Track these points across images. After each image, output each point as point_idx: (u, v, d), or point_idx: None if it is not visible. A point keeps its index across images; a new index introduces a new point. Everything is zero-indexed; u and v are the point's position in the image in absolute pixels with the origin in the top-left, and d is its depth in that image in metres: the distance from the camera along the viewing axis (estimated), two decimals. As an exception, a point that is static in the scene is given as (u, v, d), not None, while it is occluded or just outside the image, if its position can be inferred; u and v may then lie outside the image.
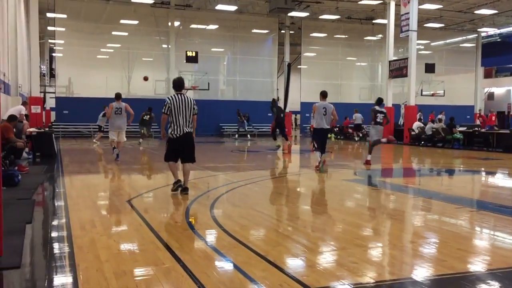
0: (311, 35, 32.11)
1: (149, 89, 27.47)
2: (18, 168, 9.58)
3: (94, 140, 21.20)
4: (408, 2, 21.80)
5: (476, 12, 27.80)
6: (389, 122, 13.58)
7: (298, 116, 35.88)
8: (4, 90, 16.37)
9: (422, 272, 4.05)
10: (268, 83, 31.45)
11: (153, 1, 26.29)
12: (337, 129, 27.73)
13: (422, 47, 32.82)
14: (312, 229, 5.70)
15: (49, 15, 26.49)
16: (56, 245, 4.85)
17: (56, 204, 7.21)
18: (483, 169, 13.37)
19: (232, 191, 8.44)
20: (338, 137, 27.65)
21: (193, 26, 29.39)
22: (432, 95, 29.24)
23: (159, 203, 7.56)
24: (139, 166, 13.56)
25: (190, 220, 6.05)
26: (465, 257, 4.55)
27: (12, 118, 10.70)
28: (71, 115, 26.06)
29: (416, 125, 22.03)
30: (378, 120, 12.68)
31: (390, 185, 10.10)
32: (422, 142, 21.37)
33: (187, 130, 7.58)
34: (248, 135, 27.84)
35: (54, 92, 28.54)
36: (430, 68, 27.20)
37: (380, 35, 31.18)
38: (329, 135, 16.46)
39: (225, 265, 4.24)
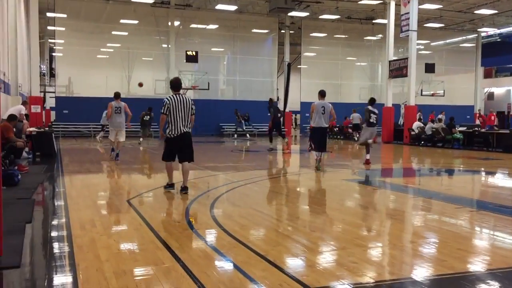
0: (311, 35, 32.12)
1: (149, 88, 27.49)
2: (18, 168, 9.58)
3: (99, 139, 21.40)
4: (408, 2, 21.79)
5: (476, 12, 27.81)
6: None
7: (298, 116, 35.88)
8: (4, 90, 16.37)
9: (422, 272, 4.05)
10: (268, 83, 31.45)
11: (153, 1, 26.29)
12: (337, 129, 27.74)
13: (422, 47, 32.84)
14: (312, 229, 5.70)
15: (49, 14, 26.50)
16: (56, 245, 4.85)
17: (56, 204, 7.22)
18: (483, 169, 13.37)
19: (232, 191, 8.44)
20: (338, 137, 27.65)
21: (193, 25, 29.39)
22: (432, 95, 29.25)
23: (159, 203, 7.56)
24: (139, 165, 13.56)
25: (190, 219, 6.05)
26: (465, 257, 4.55)
27: (12, 117, 10.69)
28: (71, 114, 26.06)
29: (416, 125, 22.03)
30: (371, 120, 12.67)
31: (390, 185, 10.11)
32: (422, 142, 21.37)
33: (185, 130, 7.64)
34: (247, 135, 27.86)
35: (54, 92, 28.55)
36: (430, 68, 27.21)
37: (380, 35, 31.19)
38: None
39: (225, 265, 4.24)
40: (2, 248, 4.21)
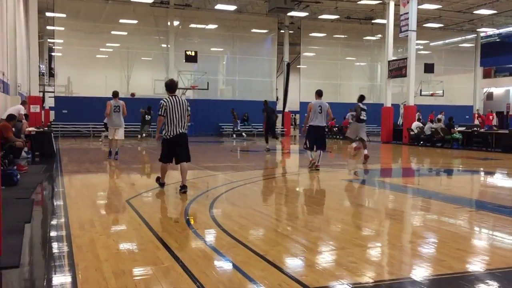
0: (310, 35, 32.11)
1: (148, 88, 27.50)
2: (17, 168, 9.57)
3: (103, 137, 21.51)
4: (408, 2, 21.79)
5: (475, 12, 27.82)
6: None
7: (297, 116, 35.90)
8: (3, 90, 16.37)
9: (421, 272, 4.06)
10: (268, 83, 31.45)
11: (152, 1, 26.27)
12: (336, 129, 27.74)
13: (421, 47, 32.85)
14: (311, 228, 5.70)
15: (48, 14, 26.47)
16: (55, 245, 4.85)
17: (55, 204, 7.22)
18: (482, 169, 13.38)
19: (231, 191, 8.44)
20: (338, 136, 27.65)
21: (192, 25, 29.39)
22: (431, 95, 29.27)
23: (158, 203, 7.56)
24: (138, 165, 13.56)
25: (189, 219, 6.04)
26: (464, 257, 4.55)
27: (11, 117, 10.68)
28: (70, 114, 26.04)
29: (415, 125, 22.04)
30: (361, 117, 13.06)
31: (389, 185, 10.11)
32: (421, 142, 21.38)
33: (181, 131, 7.72)
34: (243, 134, 27.96)
35: (53, 92, 28.52)
36: (429, 68, 27.23)
37: (380, 35, 31.21)
38: None
39: (224, 265, 4.24)
40: (1, 248, 4.20)
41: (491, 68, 39.52)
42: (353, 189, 9.34)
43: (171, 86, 7.97)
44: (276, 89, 32.17)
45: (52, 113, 31.28)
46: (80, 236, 5.06)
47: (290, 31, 32.03)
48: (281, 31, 31.51)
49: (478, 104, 35.13)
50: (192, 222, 5.91)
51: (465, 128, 21.53)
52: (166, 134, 7.72)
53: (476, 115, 30.32)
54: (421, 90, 27.64)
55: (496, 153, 17.26)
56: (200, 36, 29.65)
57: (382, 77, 30.86)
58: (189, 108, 7.90)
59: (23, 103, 16.29)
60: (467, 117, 32.86)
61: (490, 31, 34.02)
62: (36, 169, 10.86)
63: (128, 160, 13.55)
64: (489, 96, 38.63)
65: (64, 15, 26.37)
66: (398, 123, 26.17)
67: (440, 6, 26.29)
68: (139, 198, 7.65)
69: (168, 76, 27.45)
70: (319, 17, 28.99)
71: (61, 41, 28.58)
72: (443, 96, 29.78)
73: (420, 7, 23.33)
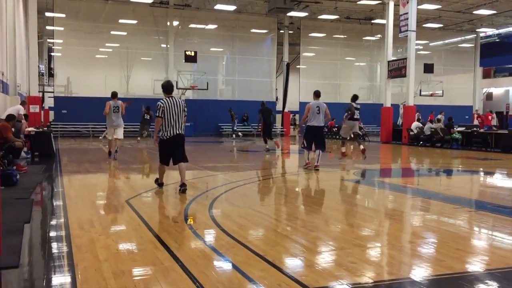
0: (310, 35, 32.12)
1: (147, 88, 27.47)
2: (16, 168, 9.57)
3: (103, 136, 21.57)
4: (407, 2, 21.80)
5: (474, 12, 27.84)
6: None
7: (297, 116, 35.88)
8: (3, 90, 16.37)
9: (420, 272, 4.06)
10: (267, 83, 31.45)
11: (152, 1, 26.27)
12: (335, 129, 27.73)
13: (421, 47, 32.86)
14: (311, 229, 5.70)
15: (47, 14, 26.47)
16: (54, 245, 4.84)
17: (54, 204, 7.21)
18: (481, 169, 13.39)
19: (231, 191, 8.44)
20: (337, 137, 27.62)
21: (192, 25, 29.39)
22: (431, 95, 29.26)
23: (157, 203, 7.56)
24: (138, 165, 13.56)
25: (189, 219, 6.04)
26: (464, 257, 4.55)
27: (10, 117, 10.68)
28: (69, 114, 26.04)
29: (415, 125, 22.05)
30: (355, 116, 13.55)
31: (389, 185, 10.11)
32: (421, 142, 21.39)
33: (178, 132, 7.74)
34: (239, 133, 28.04)
35: (53, 92, 28.50)
36: (428, 68, 27.23)
37: (379, 35, 31.22)
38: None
39: (223, 265, 4.24)
40: (0, 248, 4.20)
41: (491, 68, 39.52)
42: (352, 189, 9.35)
43: (167, 88, 8.00)
44: (276, 89, 32.16)
45: (51, 113, 31.26)
46: (80, 236, 5.05)
47: (289, 31, 32.04)
48: (281, 31, 31.51)
49: (477, 104, 35.13)
50: (191, 222, 5.91)
51: (464, 128, 21.54)
52: (163, 135, 7.75)
53: (476, 115, 30.31)
54: (420, 90, 27.64)
55: (496, 153, 17.27)
56: (199, 36, 29.65)
57: (382, 77, 30.86)
58: (186, 109, 7.93)
59: (22, 103, 16.29)
60: (466, 117, 32.87)
61: (490, 31, 34.03)
62: (35, 169, 10.85)
63: (127, 160, 13.55)
64: (489, 96, 38.64)
65: (64, 15, 26.37)
66: (398, 123, 26.16)
67: (440, 6, 26.31)
68: (139, 198, 7.65)
69: (168, 76, 27.47)
70: (319, 17, 29.00)
71: (61, 41, 28.57)
72: (442, 96, 29.78)
73: (419, 7, 23.34)
